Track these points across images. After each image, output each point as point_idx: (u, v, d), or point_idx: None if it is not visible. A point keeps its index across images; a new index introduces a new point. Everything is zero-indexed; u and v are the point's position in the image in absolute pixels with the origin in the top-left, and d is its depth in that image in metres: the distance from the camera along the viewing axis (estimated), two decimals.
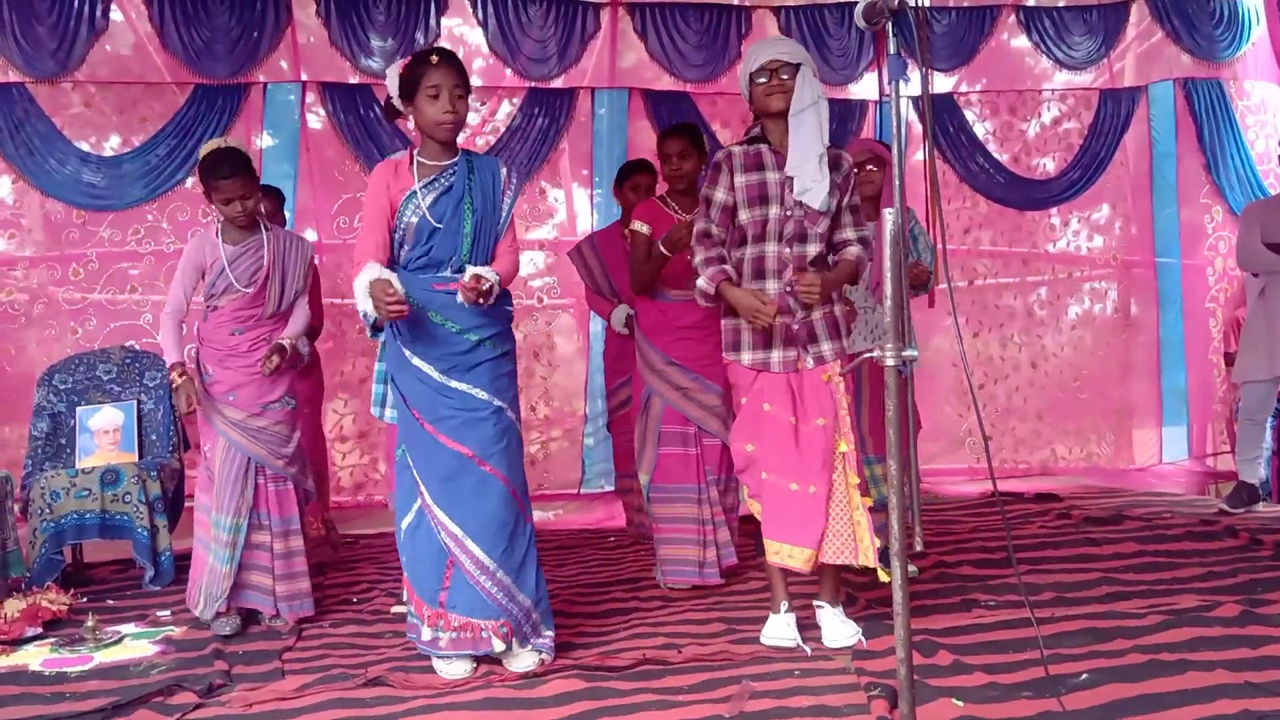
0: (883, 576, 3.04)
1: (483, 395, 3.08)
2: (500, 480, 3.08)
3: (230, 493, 3.60)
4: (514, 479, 3.12)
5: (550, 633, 3.15)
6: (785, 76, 3.15)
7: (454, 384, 3.07)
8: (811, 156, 3.12)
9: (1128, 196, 6.30)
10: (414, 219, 3.08)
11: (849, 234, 3.25)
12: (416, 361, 3.07)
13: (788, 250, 3.20)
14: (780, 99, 3.16)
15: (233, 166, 3.55)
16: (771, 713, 2.66)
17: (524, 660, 3.09)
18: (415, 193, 3.08)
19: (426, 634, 3.08)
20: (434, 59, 3.04)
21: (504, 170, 3.22)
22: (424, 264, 3.10)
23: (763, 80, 3.18)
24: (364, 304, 2.97)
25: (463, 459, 3.05)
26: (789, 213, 3.19)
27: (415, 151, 3.16)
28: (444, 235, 3.08)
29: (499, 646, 3.05)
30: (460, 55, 3.16)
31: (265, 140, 5.50)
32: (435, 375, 3.06)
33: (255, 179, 3.67)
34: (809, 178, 3.13)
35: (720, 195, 3.25)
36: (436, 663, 3.10)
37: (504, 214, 3.19)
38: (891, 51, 2.27)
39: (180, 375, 3.57)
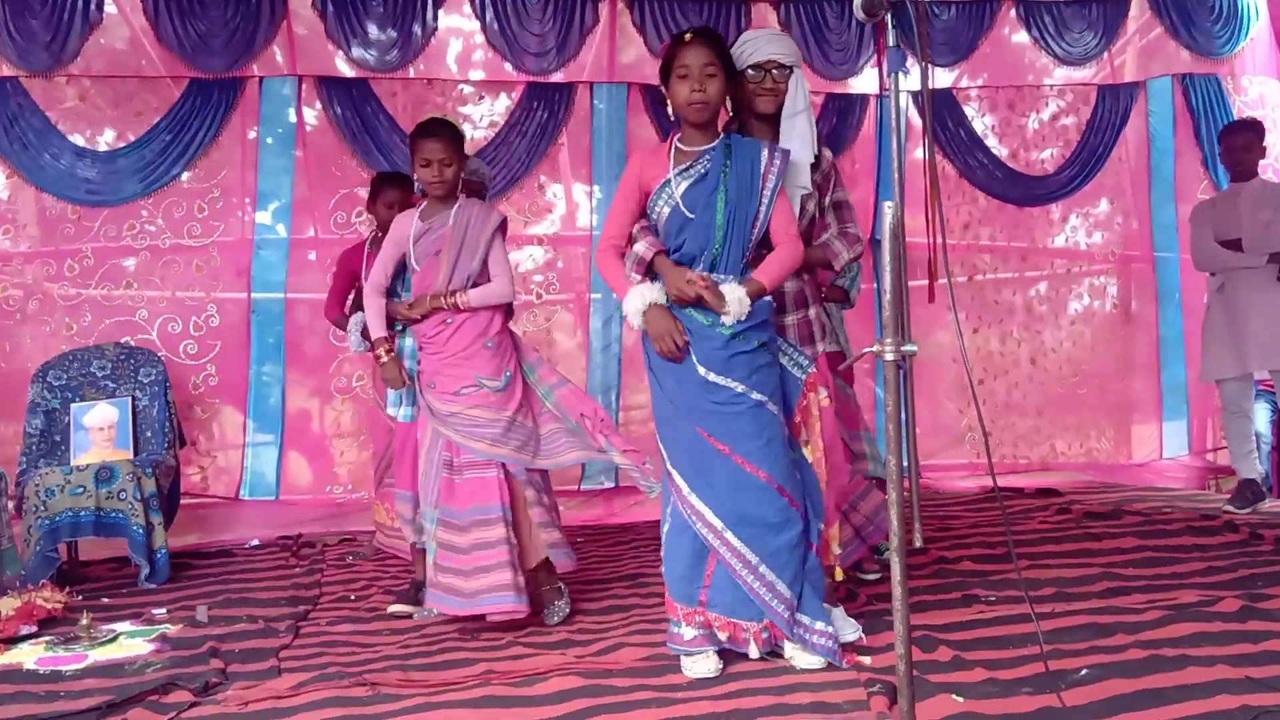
0: (838, 575, 3.13)
1: (740, 388, 2.94)
2: (761, 477, 2.93)
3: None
4: (777, 474, 2.95)
5: (826, 627, 2.95)
6: (780, 78, 3.06)
7: (713, 378, 2.94)
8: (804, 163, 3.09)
9: (1127, 192, 6.28)
10: (666, 209, 2.97)
11: (828, 235, 3.19)
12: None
13: None
14: (770, 101, 3.08)
15: (440, 127, 3.49)
16: (771, 709, 2.64)
17: (807, 659, 2.95)
18: (669, 180, 2.97)
19: (688, 633, 2.97)
20: (688, 37, 2.94)
21: (765, 152, 2.98)
22: (676, 259, 2.99)
23: (756, 78, 3.06)
24: (636, 320, 2.96)
25: (719, 454, 2.94)
26: None
27: (676, 137, 3.04)
28: (696, 227, 2.95)
29: (754, 653, 2.97)
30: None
31: (261, 134, 5.46)
32: (698, 369, 2.95)
33: (461, 151, 3.53)
34: (797, 184, 3.07)
35: None
36: (684, 661, 2.98)
37: (763, 202, 2.96)
38: (890, 44, 2.26)
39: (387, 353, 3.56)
